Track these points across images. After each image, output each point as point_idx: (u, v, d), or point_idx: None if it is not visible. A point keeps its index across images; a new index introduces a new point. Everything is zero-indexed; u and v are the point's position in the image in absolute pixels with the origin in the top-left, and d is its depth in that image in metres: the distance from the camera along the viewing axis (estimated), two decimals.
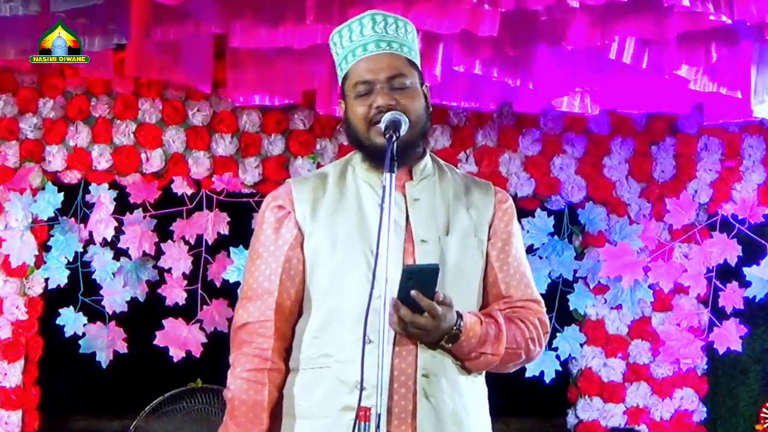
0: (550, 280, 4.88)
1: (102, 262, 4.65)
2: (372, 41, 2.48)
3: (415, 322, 2.32)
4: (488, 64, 4.18)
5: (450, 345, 2.40)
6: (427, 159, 2.58)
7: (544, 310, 2.60)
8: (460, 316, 2.39)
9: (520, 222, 2.70)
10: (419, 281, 2.30)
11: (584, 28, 3.92)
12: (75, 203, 4.66)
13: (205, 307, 4.72)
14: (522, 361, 2.53)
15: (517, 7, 3.71)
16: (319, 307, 2.48)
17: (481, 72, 4.18)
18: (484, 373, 2.55)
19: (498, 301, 2.54)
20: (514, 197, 4.69)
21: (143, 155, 4.70)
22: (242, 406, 2.47)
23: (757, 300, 4.91)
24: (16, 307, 4.62)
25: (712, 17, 3.76)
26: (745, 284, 4.90)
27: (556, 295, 4.89)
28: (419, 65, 2.55)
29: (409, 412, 2.39)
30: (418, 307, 2.31)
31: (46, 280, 4.65)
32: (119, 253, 4.67)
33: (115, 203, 4.64)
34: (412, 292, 2.30)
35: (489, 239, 2.55)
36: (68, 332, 4.65)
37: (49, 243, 4.64)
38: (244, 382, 2.47)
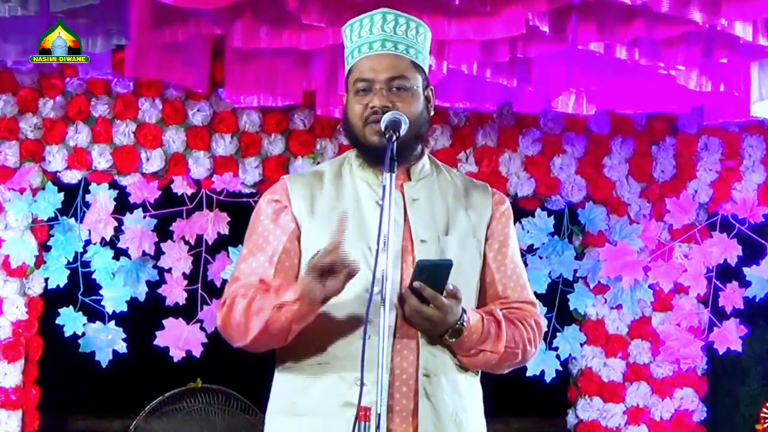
0: (550, 280, 4.87)
1: (102, 262, 4.65)
2: (378, 40, 2.49)
3: (422, 311, 2.33)
4: (488, 65, 4.18)
5: (452, 340, 2.40)
6: (425, 160, 2.58)
7: (540, 312, 2.62)
8: (464, 311, 2.39)
9: (520, 222, 2.71)
10: (431, 276, 2.32)
11: (583, 30, 3.92)
12: (75, 203, 4.66)
13: (205, 307, 4.72)
14: (518, 362, 2.54)
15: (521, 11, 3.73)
16: None
17: (478, 73, 4.18)
18: (480, 374, 2.56)
19: (494, 301, 2.55)
20: (514, 197, 4.69)
21: (143, 155, 4.70)
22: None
23: (757, 300, 4.91)
24: (16, 307, 4.62)
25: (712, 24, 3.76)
26: (745, 284, 4.91)
27: (556, 295, 4.89)
28: (426, 68, 2.55)
29: (410, 411, 2.40)
30: (425, 298, 2.33)
31: (46, 280, 4.65)
32: (119, 253, 4.67)
33: (115, 203, 4.64)
34: (416, 283, 2.31)
35: (486, 240, 2.57)
36: (68, 332, 4.64)
37: (49, 243, 4.64)
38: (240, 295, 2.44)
